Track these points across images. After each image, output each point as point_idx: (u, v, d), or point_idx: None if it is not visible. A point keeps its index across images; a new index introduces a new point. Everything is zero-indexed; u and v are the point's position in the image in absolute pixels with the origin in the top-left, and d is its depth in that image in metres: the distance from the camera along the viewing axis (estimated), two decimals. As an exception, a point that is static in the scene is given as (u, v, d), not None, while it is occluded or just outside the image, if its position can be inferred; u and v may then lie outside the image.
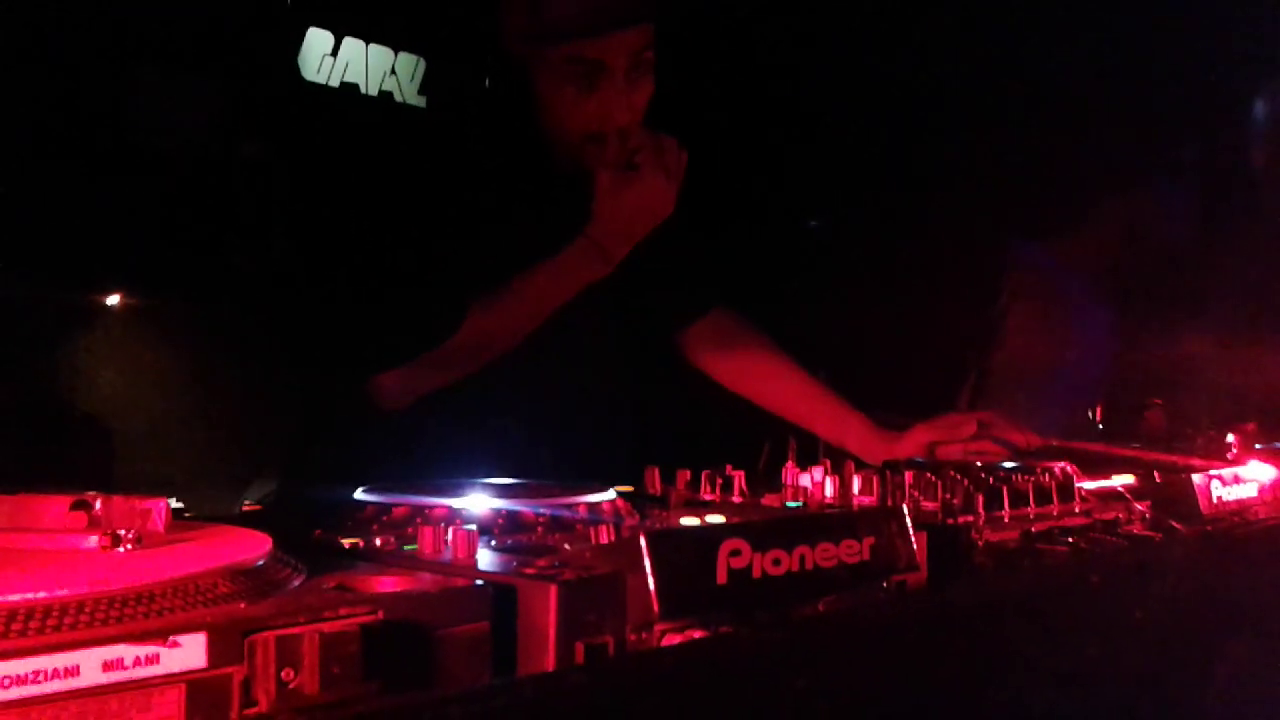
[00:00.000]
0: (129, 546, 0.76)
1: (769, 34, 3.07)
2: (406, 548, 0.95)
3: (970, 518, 1.20)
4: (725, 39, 2.98)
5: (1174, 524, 1.37)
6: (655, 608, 0.82)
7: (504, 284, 1.78)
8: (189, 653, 0.63)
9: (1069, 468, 1.42)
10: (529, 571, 0.82)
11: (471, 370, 1.81)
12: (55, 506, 0.84)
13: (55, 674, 0.59)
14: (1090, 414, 2.90)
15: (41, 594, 0.63)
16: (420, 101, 2.83)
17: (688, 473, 1.37)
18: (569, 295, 1.81)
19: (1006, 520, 1.23)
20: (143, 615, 0.64)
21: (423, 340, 1.75)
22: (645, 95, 1.87)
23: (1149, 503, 1.42)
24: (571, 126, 1.85)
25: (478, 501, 1.10)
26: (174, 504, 0.87)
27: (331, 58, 2.79)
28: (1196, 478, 1.45)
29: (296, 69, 2.69)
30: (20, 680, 0.58)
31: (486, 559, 0.89)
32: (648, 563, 0.83)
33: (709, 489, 1.34)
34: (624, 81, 1.82)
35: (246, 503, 2.06)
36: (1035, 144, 3.03)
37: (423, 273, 1.78)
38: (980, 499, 1.23)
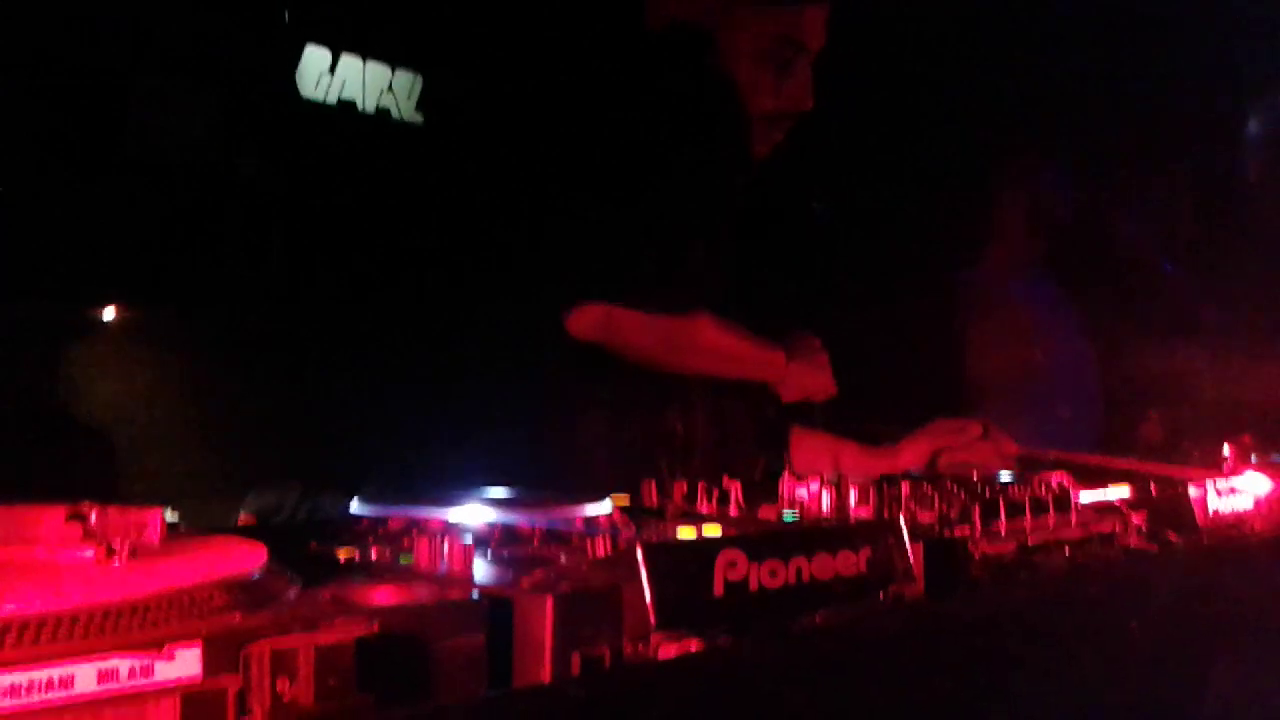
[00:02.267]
0: (124, 558, 0.75)
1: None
2: (402, 560, 0.95)
3: (967, 530, 1.20)
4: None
5: (1170, 536, 1.37)
6: (652, 620, 0.82)
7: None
8: (184, 664, 0.63)
9: (1065, 480, 1.42)
10: (525, 584, 0.82)
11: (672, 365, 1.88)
12: (50, 518, 0.84)
13: (50, 685, 0.59)
14: (1088, 426, 2.91)
15: (37, 605, 0.62)
16: (417, 118, 2.84)
17: (684, 484, 1.37)
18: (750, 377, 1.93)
19: (1003, 532, 1.23)
20: (138, 627, 0.64)
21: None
22: None
23: (1145, 515, 1.42)
24: (757, 105, 1.88)
25: (473, 513, 1.10)
26: (169, 515, 0.86)
27: (329, 75, 2.80)
28: (1192, 490, 1.45)
29: (294, 86, 2.70)
30: (15, 692, 0.58)
31: (482, 571, 0.89)
32: (644, 574, 0.82)
33: (705, 501, 1.34)
34: (809, 67, 1.86)
35: (243, 514, 2.06)
36: (1026, 149, 3.04)
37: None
38: (977, 511, 1.23)
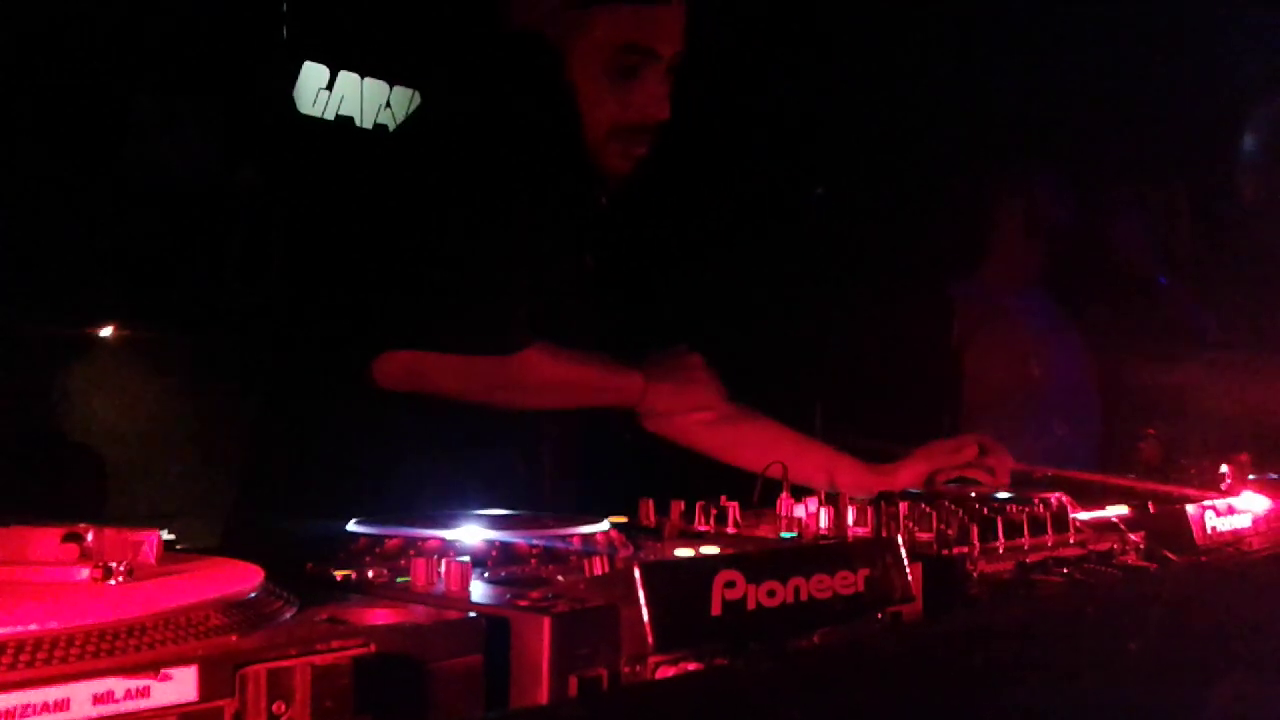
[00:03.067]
0: (120, 579, 0.75)
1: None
2: (399, 580, 0.95)
3: (965, 549, 1.20)
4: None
5: (1168, 555, 1.37)
6: (649, 640, 0.82)
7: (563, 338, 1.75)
8: (180, 686, 0.63)
9: (1063, 498, 1.42)
10: (522, 604, 0.82)
11: (502, 402, 1.76)
12: (47, 538, 0.84)
13: (45, 708, 0.59)
14: (1086, 443, 2.91)
15: (32, 626, 0.62)
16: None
17: (682, 504, 1.37)
18: (600, 405, 1.81)
19: (1001, 551, 1.23)
20: (134, 648, 0.64)
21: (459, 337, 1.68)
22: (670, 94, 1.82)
23: (1143, 533, 1.42)
24: (601, 119, 1.78)
25: (471, 533, 1.10)
26: (166, 536, 0.86)
27: (327, 91, 2.81)
28: (1191, 508, 1.45)
29: (292, 102, 2.71)
30: (10, 715, 0.58)
31: (480, 591, 0.88)
32: (642, 594, 0.82)
33: (703, 520, 1.34)
34: (665, 73, 1.77)
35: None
36: (1025, 161, 3.05)
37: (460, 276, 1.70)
38: (975, 530, 1.23)
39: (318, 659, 0.66)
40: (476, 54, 1.94)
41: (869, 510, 1.33)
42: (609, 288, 2.00)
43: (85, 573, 0.76)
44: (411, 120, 2.30)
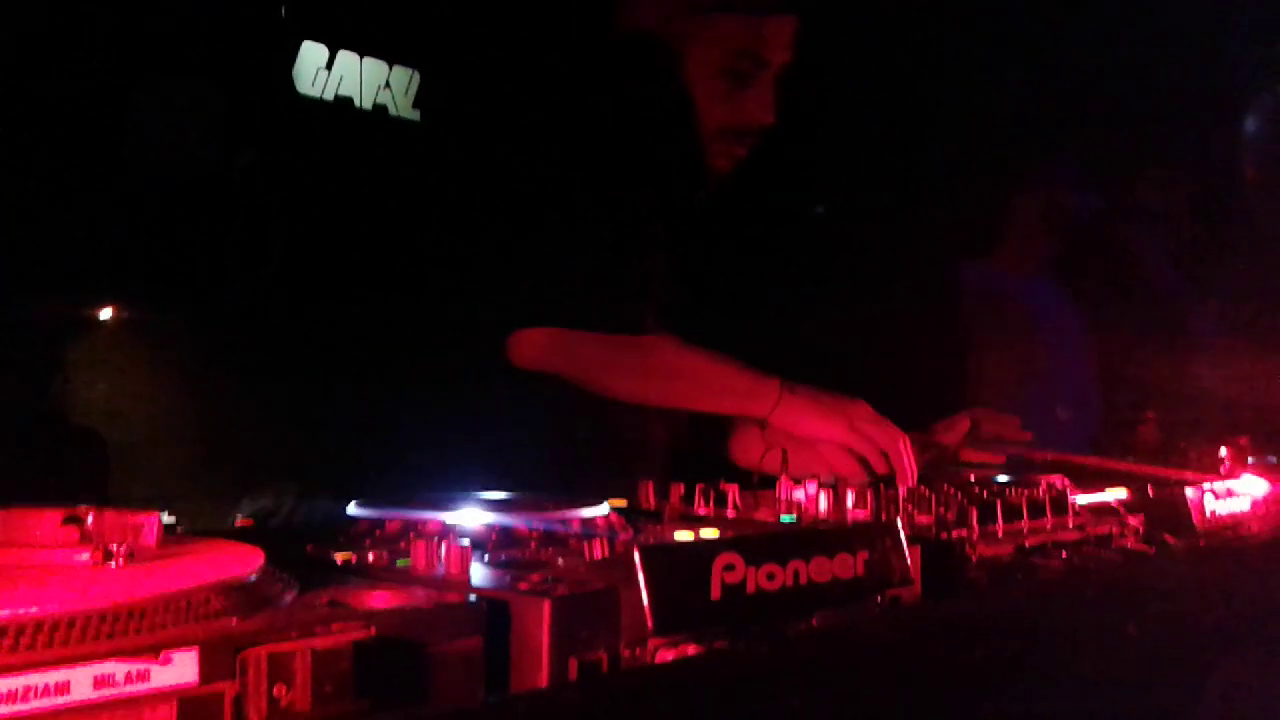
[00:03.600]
0: (121, 562, 0.75)
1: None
2: (399, 563, 0.95)
3: (964, 532, 1.20)
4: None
5: (1167, 538, 1.37)
6: (649, 623, 0.82)
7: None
8: (181, 669, 0.63)
9: (1062, 482, 1.42)
10: (522, 587, 0.82)
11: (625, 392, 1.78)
12: (47, 521, 0.84)
13: (46, 691, 0.59)
14: (1085, 427, 2.91)
15: (33, 609, 0.62)
16: (414, 115, 2.84)
17: (682, 487, 1.37)
18: (729, 410, 1.79)
19: (1000, 534, 1.23)
20: (134, 631, 0.64)
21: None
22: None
23: (1142, 517, 1.42)
24: (711, 120, 1.85)
25: (471, 516, 1.10)
26: (166, 518, 0.86)
27: (326, 71, 2.79)
28: (1189, 492, 1.46)
29: (291, 82, 2.70)
30: (10, 698, 0.58)
31: (480, 574, 0.89)
32: (641, 577, 0.82)
33: (703, 503, 1.34)
34: (772, 80, 1.83)
35: (239, 517, 2.05)
36: (1023, 147, 3.04)
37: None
38: (974, 513, 1.23)
39: (318, 642, 0.66)
40: (601, 50, 2.01)
41: (868, 494, 1.33)
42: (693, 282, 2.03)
43: (85, 555, 0.76)
44: (547, 103, 2.35)
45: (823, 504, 1.33)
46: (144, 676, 0.61)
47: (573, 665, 0.79)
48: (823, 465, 1.74)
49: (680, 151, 1.91)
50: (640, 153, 1.85)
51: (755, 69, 1.85)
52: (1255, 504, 1.58)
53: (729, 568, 0.87)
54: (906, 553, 1.03)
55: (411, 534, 1.06)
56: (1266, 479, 1.64)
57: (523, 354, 1.76)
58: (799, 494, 1.35)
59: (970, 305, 3.05)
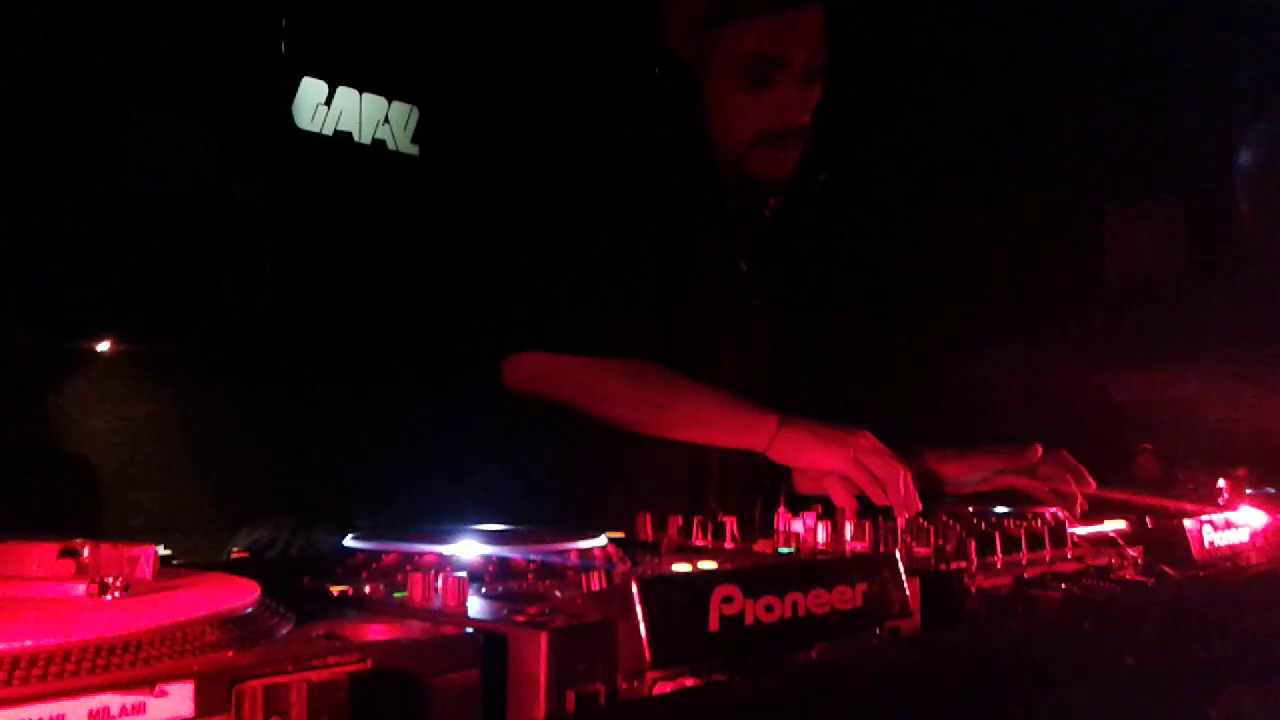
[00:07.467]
0: (116, 594, 0.75)
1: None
2: (396, 595, 0.95)
3: (963, 563, 1.20)
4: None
5: (1166, 569, 1.37)
6: (647, 655, 0.81)
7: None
8: (176, 702, 0.62)
9: (1061, 513, 1.42)
10: (519, 619, 0.82)
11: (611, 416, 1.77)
12: (43, 554, 0.84)
13: (40, 724, 0.58)
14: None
15: (28, 642, 0.62)
16: (413, 150, 2.86)
17: (679, 519, 1.36)
18: (727, 443, 1.78)
19: (999, 566, 1.23)
20: (130, 664, 0.64)
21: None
22: (815, 99, 1.88)
23: (1141, 548, 1.42)
24: (744, 128, 1.85)
25: (467, 548, 1.10)
26: (162, 551, 0.86)
27: (325, 106, 2.81)
28: (1188, 523, 1.45)
29: (290, 118, 2.71)
30: (4, 731, 0.57)
31: (476, 606, 0.88)
32: (639, 610, 0.82)
33: (701, 535, 1.34)
34: (801, 78, 1.83)
35: (235, 550, 2.05)
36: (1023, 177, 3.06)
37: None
38: (973, 544, 1.23)
39: (314, 675, 0.66)
40: (620, 71, 2.04)
41: (866, 525, 1.33)
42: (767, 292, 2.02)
43: (81, 588, 0.76)
44: (551, 126, 2.36)
45: (821, 536, 1.33)
46: (140, 709, 0.61)
47: (570, 698, 0.78)
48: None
49: (701, 166, 1.92)
50: (656, 171, 1.87)
51: (775, 71, 1.84)
52: (1254, 535, 1.57)
53: (727, 600, 0.87)
54: (905, 584, 1.03)
55: (408, 566, 1.05)
56: (1265, 510, 1.64)
57: (518, 380, 1.77)
58: (797, 525, 1.35)
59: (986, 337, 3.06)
